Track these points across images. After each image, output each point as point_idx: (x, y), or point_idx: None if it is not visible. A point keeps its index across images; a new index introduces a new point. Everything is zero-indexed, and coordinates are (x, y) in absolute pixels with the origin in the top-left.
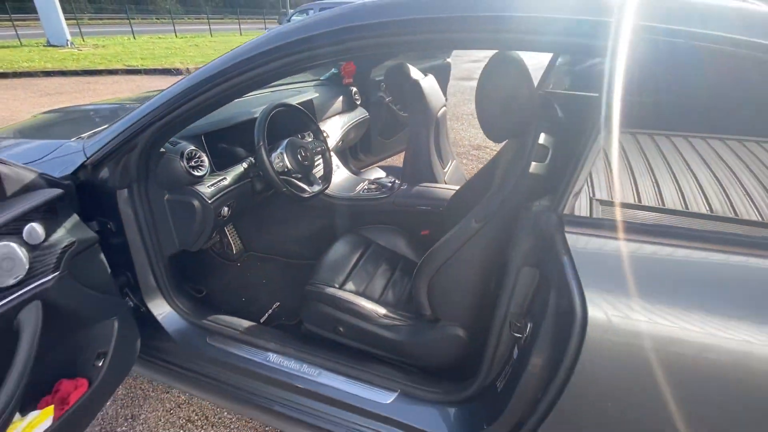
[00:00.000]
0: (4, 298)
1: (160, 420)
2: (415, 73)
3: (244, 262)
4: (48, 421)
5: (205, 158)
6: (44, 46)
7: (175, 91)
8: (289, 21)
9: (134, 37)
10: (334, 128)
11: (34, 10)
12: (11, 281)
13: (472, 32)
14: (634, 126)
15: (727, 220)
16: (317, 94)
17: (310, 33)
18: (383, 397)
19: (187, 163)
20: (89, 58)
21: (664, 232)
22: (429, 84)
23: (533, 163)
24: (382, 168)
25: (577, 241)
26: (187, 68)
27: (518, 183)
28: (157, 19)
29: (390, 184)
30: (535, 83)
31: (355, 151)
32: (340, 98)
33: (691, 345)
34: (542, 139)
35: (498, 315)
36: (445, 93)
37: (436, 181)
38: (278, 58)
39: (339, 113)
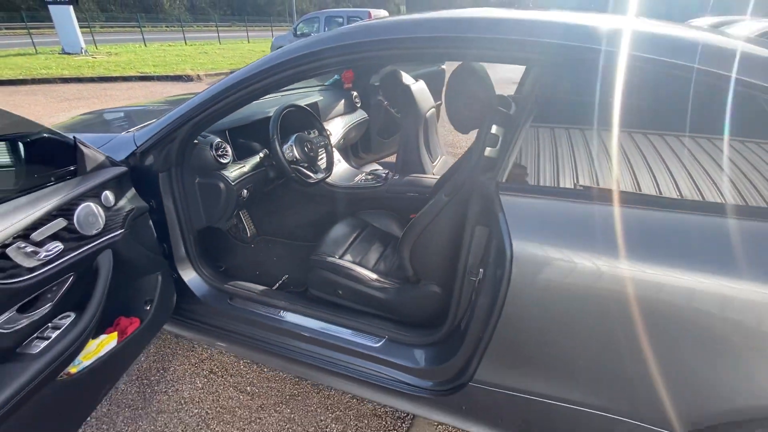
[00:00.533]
0: (90, 243)
1: (187, 372)
2: (406, 78)
3: (257, 244)
4: (113, 343)
5: (229, 149)
6: (59, 53)
7: (206, 95)
8: (295, 28)
9: (145, 45)
10: (337, 127)
11: (46, 18)
12: (94, 232)
13: (444, 49)
14: (546, 121)
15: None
16: (321, 98)
17: (312, 49)
18: (373, 342)
19: (215, 152)
20: (104, 65)
21: (564, 192)
22: (419, 88)
23: (487, 149)
24: (380, 164)
25: (508, 200)
26: (198, 74)
27: (476, 164)
28: (167, 27)
29: (384, 175)
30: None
31: (357, 150)
32: (342, 101)
33: (586, 274)
34: (494, 129)
35: (460, 268)
36: (440, 96)
37: (425, 173)
38: (287, 69)
39: (341, 114)
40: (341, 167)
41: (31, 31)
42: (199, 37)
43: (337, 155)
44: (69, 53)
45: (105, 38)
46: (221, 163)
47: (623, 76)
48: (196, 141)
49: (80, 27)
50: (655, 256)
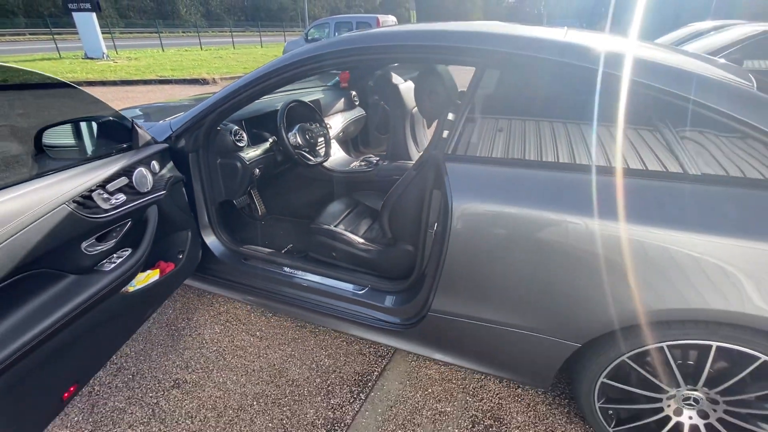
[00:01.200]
0: (142, 198)
1: (207, 321)
2: (395, 78)
3: (267, 221)
4: (156, 277)
5: (245, 135)
6: (82, 58)
7: (227, 90)
8: (306, 34)
9: (163, 50)
10: (337, 122)
11: (68, 24)
12: (145, 190)
13: (409, 54)
14: (485, 110)
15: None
16: (323, 95)
17: (311, 54)
18: (359, 290)
19: (234, 138)
20: (125, 69)
21: (491, 161)
22: (406, 87)
23: (445, 132)
24: (374, 154)
25: (451, 166)
26: (213, 78)
27: (436, 143)
28: (183, 32)
29: (375, 162)
30: None
31: (357, 145)
32: (342, 99)
33: (507, 222)
34: (450, 116)
35: (422, 225)
36: None
37: (411, 160)
38: (291, 70)
39: (341, 111)
40: (339, 155)
41: (54, 36)
42: (214, 42)
43: (336, 145)
44: (91, 58)
45: (124, 44)
46: (238, 146)
47: (528, 73)
48: (219, 128)
49: (102, 33)
50: (549, 205)
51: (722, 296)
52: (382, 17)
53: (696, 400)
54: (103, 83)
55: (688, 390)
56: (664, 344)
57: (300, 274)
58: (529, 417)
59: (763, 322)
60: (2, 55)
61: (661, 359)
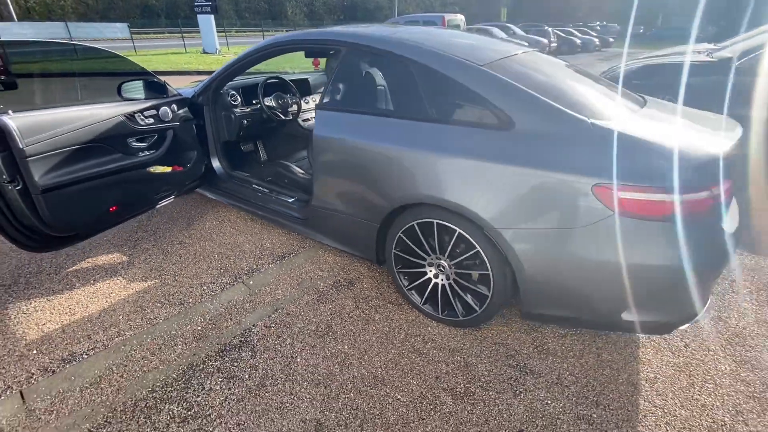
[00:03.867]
0: (163, 123)
1: (214, 222)
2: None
3: (265, 164)
4: (169, 170)
5: (238, 97)
6: (200, 53)
7: (223, 67)
8: None
9: None
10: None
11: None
12: (165, 120)
13: (334, 46)
14: (335, 79)
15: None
16: (312, 77)
17: (264, 45)
18: (290, 199)
19: (230, 99)
20: None
21: (333, 107)
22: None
23: (325, 97)
24: None
25: (318, 113)
26: (293, 70)
27: (321, 100)
28: (287, 30)
29: None
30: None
31: None
32: (324, 79)
33: (344, 147)
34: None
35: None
36: None
37: None
38: (261, 52)
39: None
40: None
41: (184, 34)
42: None
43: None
44: (207, 53)
45: (236, 41)
46: (233, 104)
47: (359, 56)
48: (221, 91)
49: (218, 32)
50: (362, 137)
51: (433, 188)
52: (450, 16)
53: (442, 267)
54: (208, 72)
55: (436, 258)
56: (414, 222)
57: (267, 190)
58: (371, 283)
59: (452, 206)
60: (145, 48)
61: (415, 235)
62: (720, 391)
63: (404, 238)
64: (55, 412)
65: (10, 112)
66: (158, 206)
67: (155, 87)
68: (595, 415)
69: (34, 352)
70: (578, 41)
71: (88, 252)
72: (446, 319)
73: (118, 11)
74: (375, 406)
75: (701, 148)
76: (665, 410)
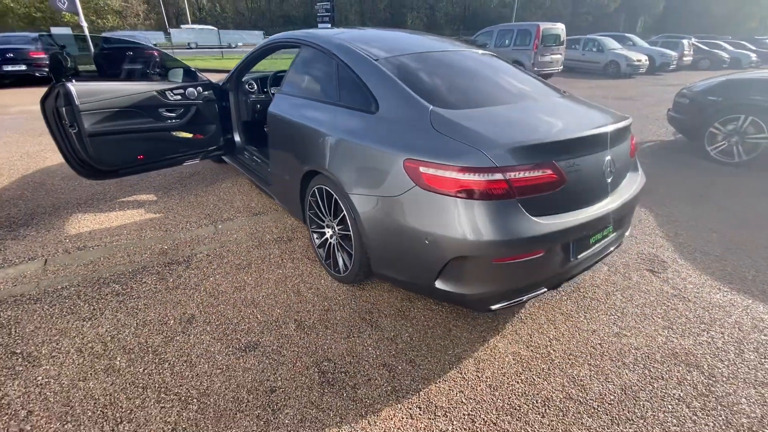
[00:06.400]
0: (188, 101)
1: (228, 184)
2: None
3: None
4: (190, 136)
5: (255, 85)
6: None
7: (241, 61)
8: (475, 39)
9: None
10: None
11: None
12: (192, 98)
13: (296, 44)
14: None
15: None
16: None
17: (277, 40)
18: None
19: (248, 86)
20: None
21: (284, 92)
22: None
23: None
24: None
25: (277, 96)
26: None
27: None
28: None
29: None
30: None
31: None
32: None
33: (278, 118)
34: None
35: None
36: None
37: None
38: (265, 48)
39: None
40: None
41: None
42: None
43: None
44: None
45: None
46: (250, 91)
47: (310, 51)
48: (243, 80)
49: None
50: (292, 115)
51: (322, 158)
52: (547, 25)
53: (332, 228)
54: None
55: (330, 221)
56: (315, 189)
57: (256, 159)
58: (305, 243)
59: (330, 174)
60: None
61: (317, 199)
62: (502, 372)
63: (311, 201)
64: (58, 273)
65: (73, 80)
66: (185, 164)
67: (190, 74)
68: (399, 368)
69: (65, 239)
70: (726, 56)
71: (135, 190)
72: (334, 275)
73: (266, 21)
74: (236, 317)
75: (515, 137)
76: (457, 383)
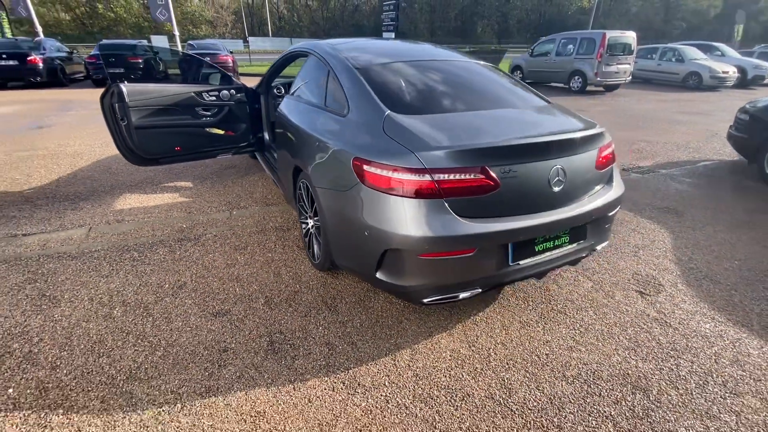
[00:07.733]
0: (222, 102)
1: (255, 177)
2: None
3: None
4: (221, 133)
5: (282, 90)
6: None
7: (273, 63)
8: (532, 49)
9: None
10: None
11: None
12: (225, 100)
13: (304, 53)
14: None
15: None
16: None
17: (290, 51)
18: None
19: (276, 91)
20: None
21: (286, 97)
22: None
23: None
24: None
25: (285, 98)
26: None
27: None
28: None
29: None
30: None
31: None
32: None
33: (284, 118)
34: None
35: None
36: None
37: None
38: (286, 57)
39: None
40: None
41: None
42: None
43: None
44: None
45: None
46: (278, 94)
47: (314, 61)
48: (272, 85)
49: None
50: (291, 115)
51: (301, 156)
52: (614, 33)
53: (312, 219)
54: None
55: (310, 213)
56: (300, 182)
57: (274, 155)
58: (300, 233)
59: (306, 169)
60: None
61: (302, 192)
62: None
63: (299, 195)
64: (96, 239)
65: (125, 81)
66: (218, 158)
67: (225, 78)
68: (339, 348)
69: (109, 213)
70: None
71: (179, 177)
72: (313, 262)
73: (339, 30)
74: (219, 288)
75: (453, 141)
76: (386, 367)
